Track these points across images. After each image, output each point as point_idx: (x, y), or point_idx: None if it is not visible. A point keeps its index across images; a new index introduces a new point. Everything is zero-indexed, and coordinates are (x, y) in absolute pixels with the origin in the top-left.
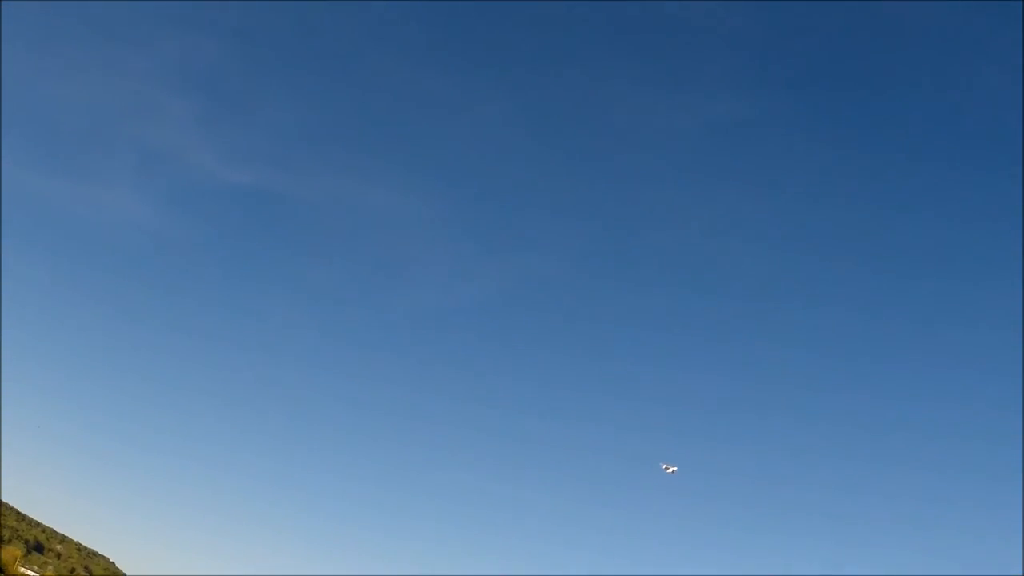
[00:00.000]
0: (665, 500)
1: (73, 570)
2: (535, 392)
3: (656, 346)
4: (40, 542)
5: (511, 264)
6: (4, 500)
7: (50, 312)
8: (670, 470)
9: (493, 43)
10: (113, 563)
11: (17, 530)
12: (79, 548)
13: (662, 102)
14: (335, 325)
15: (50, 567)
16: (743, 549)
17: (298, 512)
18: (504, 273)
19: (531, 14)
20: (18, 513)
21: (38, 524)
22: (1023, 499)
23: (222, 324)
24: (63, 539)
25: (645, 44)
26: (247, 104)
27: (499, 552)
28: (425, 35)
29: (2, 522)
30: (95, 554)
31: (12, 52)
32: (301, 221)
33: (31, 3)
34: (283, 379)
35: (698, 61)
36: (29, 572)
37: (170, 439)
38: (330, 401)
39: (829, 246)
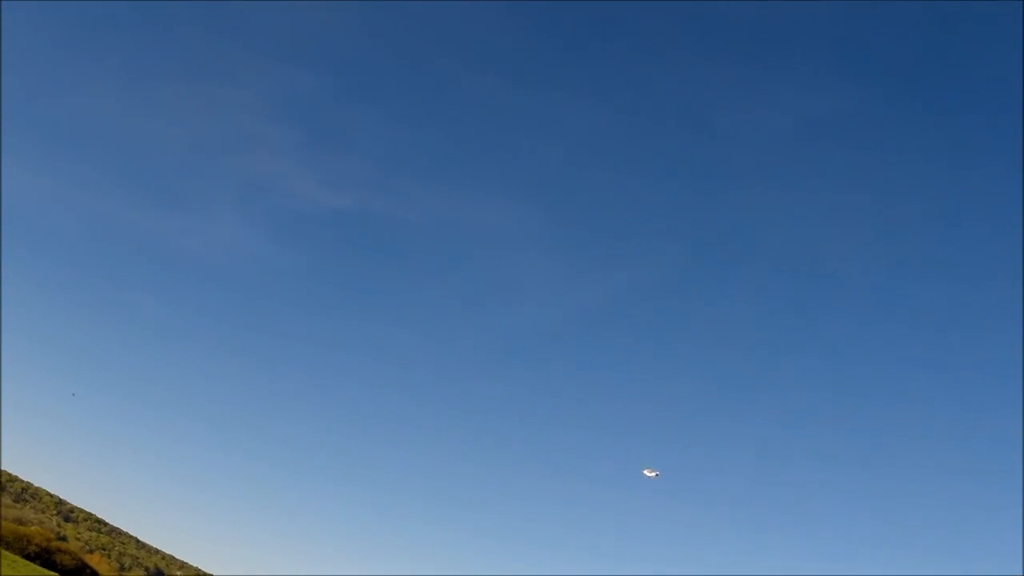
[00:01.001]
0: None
1: None
2: (641, 404)
3: (762, 352)
4: (160, 569)
5: (615, 276)
6: (124, 529)
7: (165, 343)
8: (652, 475)
9: (585, 55)
10: None
11: (137, 557)
12: (198, 574)
13: (758, 101)
14: (440, 343)
15: None
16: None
17: (433, 527)
18: (608, 285)
19: (622, 21)
20: (138, 541)
21: (157, 551)
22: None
23: (330, 347)
24: (182, 565)
25: (737, 43)
26: (346, 130)
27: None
28: (517, 51)
29: (123, 550)
30: None
31: (114, 91)
32: (403, 242)
33: (129, 43)
34: (389, 398)
35: (791, 58)
36: None
37: (279, 464)
38: (437, 417)
39: (935, 244)
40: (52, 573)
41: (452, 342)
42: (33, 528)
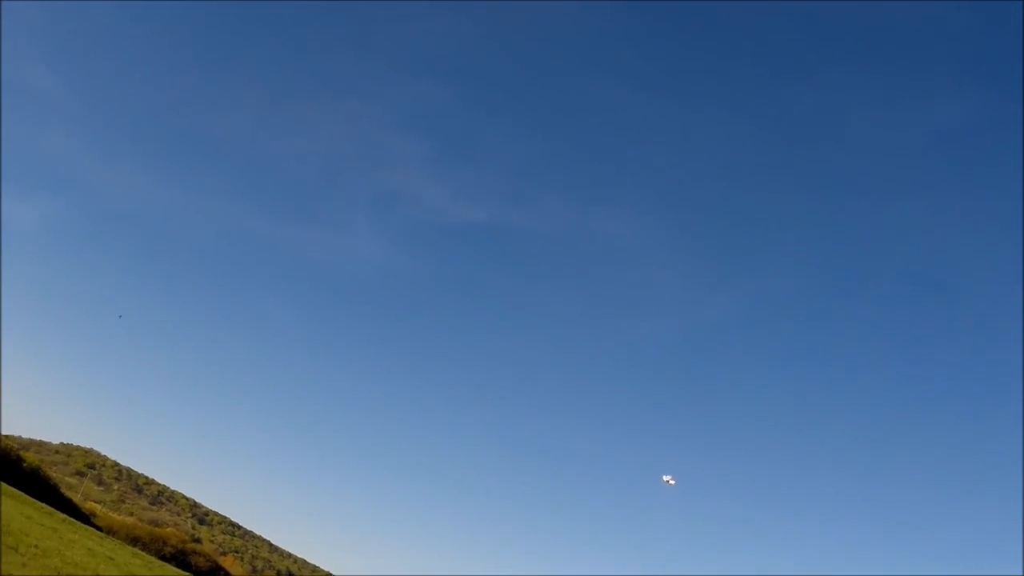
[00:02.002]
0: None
1: None
2: (784, 402)
3: (892, 369)
4: (292, 572)
5: (744, 288)
6: (257, 532)
7: (302, 353)
8: (670, 482)
9: (718, 66)
10: None
11: (269, 560)
12: None
13: (892, 111)
14: (571, 354)
15: None
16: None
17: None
18: (737, 298)
19: (755, 33)
20: (270, 545)
21: (289, 555)
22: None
23: (462, 358)
24: (314, 569)
25: (871, 53)
26: (479, 143)
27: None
28: (650, 63)
29: (256, 552)
30: None
31: (253, 108)
32: (535, 255)
33: (266, 62)
34: (521, 409)
35: (925, 66)
36: None
37: (410, 469)
38: (568, 427)
39: None
40: (186, 574)
41: (583, 354)
42: (169, 530)
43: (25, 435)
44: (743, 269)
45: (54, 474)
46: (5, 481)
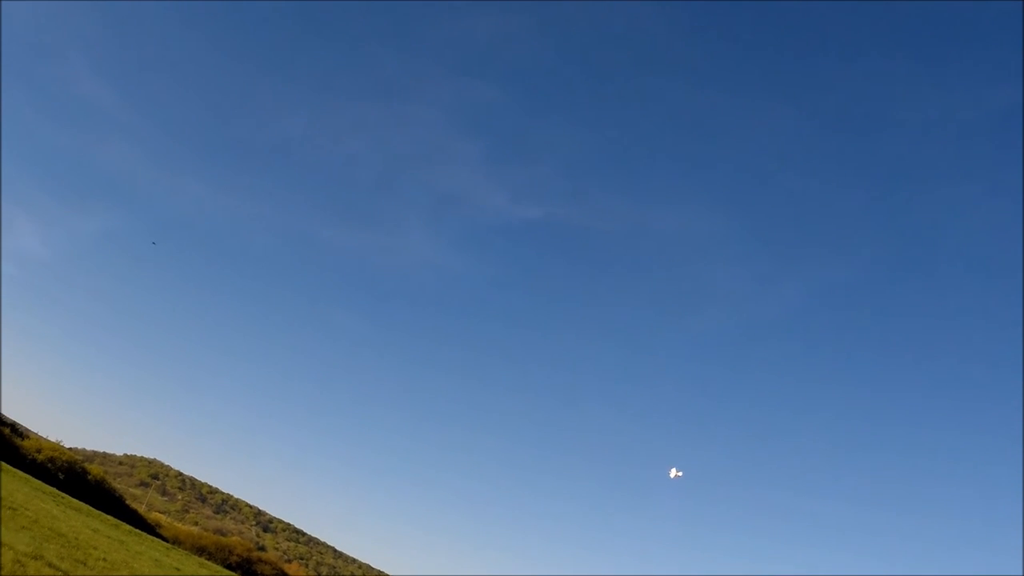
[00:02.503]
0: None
1: None
2: (845, 397)
3: (952, 359)
4: None
5: (811, 274)
6: (322, 539)
7: (361, 357)
8: (676, 475)
9: (770, 57)
10: None
11: (335, 567)
12: None
13: (943, 95)
14: (633, 352)
15: None
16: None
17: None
18: (797, 290)
19: (808, 23)
20: (335, 551)
21: (354, 561)
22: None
23: (522, 357)
24: (379, 575)
25: (920, 39)
26: (532, 141)
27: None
28: (702, 55)
29: (320, 559)
30: None
31: (305, 112)
32: (593, 252)
33: (319, 65)
34: (584, 408)
35: (974, 51)
36: None
37: (470, 474)
38: (632, 424)
39: None
40: None
41: (644, 351)
42: (234, 539)
43: (89, 447)
44: (800, 260)
45: (119, 485)
46: (72, 495)
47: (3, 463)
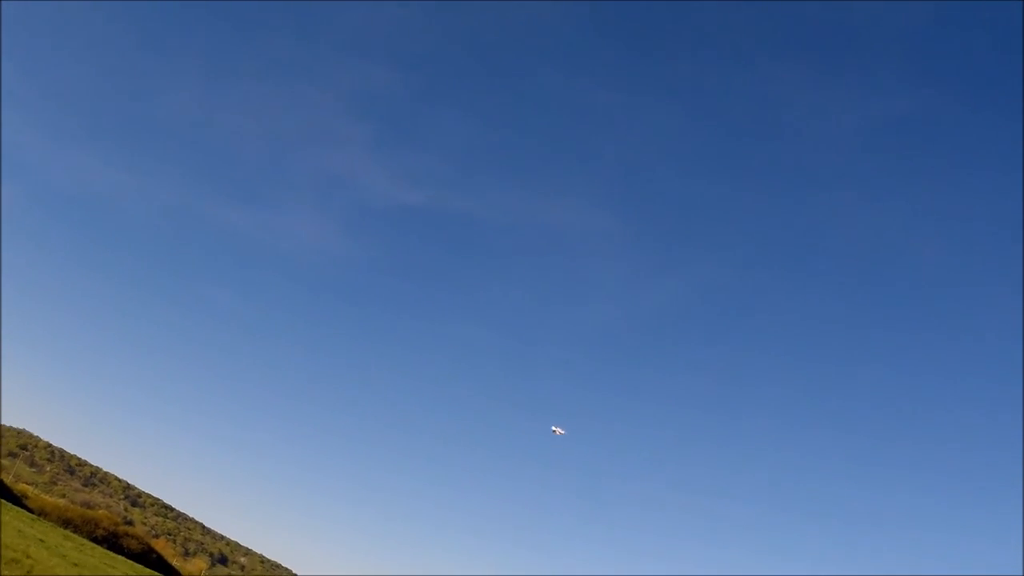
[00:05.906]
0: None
1: None
2: (718, 393)
3: (827, 358)
4: (224, 555)
5: (691, 270)
6: (190, 515)
7: (238, 336)
8: (558, 432)
9: (658, 56)
10: (296, 575)
11: (202, 543)
12: (262, 561)
13: (828, 103)
14: (513, 341)
15: None
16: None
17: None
18: (685, 279)
19: (694, 23)
20: (203, 527)
21: (223, 537)
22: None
23: (402, 342)
24: (247, 552)
25: (807, 45)
26: (421, 127)
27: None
28: (592, 51)
29: (188, 535)
30: (278, 566)
31: (193, 90)
32: (476, 240)
33: (208, 44)
34: (459, 395)
35: (860, 59)
36: None
37: (341, 454)
38: (509, 413)
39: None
40: (118, 556)
41: (524, 339)
42: (101, 512)
43: None
44: (682, 257)
45: None
46: None
47: None
